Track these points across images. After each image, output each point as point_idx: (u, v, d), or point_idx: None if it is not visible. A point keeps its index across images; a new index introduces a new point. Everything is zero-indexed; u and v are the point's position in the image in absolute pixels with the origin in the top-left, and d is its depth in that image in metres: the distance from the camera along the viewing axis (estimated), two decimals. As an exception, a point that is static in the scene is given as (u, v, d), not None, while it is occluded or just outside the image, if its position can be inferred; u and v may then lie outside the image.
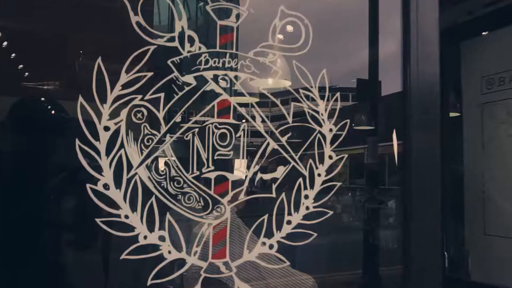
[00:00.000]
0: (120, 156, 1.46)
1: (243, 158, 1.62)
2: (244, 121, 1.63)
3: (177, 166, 1.54)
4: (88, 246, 1.70)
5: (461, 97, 3.69)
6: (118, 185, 1.46)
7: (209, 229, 1.58)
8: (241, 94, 1.61)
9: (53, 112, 1.72)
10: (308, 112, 1.69)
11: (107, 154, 1.45)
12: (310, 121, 1.69)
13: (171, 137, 1.53)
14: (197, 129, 1.56)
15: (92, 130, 1.43)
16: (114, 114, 1.46)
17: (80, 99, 1.42)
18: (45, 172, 1.65)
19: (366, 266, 2.92)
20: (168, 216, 1.53)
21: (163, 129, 1.51)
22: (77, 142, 1.41)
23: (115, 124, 1.46)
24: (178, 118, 1.53)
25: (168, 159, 1.53)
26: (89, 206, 1.44)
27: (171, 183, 1.53)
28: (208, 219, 1.58)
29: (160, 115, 1.51)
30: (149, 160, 1.50)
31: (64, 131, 1.66)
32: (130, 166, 1.48)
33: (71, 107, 1.42)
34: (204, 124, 1.57)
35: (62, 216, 1.69)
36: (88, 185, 1.42)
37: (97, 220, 1.43)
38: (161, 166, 1.52)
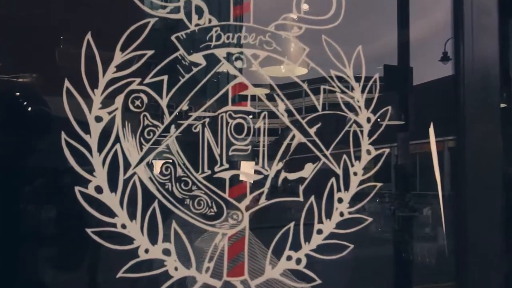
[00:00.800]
0: (115, 153, 1.29)
1: (263, 154, 1.43)
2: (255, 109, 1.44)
3: (184, 164, 1.36)
4: (77, 263, 1.52)
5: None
6: (113, 187, 1.29)
7: (223, 241, 1.40)
8: (260, 77, 1.42)
9: (30, 100, 1.55)
10: (342, 98, 1.50)
11: (100, 150, 1.27)
12: (344, 108, 1.51)
13: (177, 128, 1.35)
14: (207, 119, 1.38)
15: (81, 121, 1.26)
16: (107, 102, 1.29)
17: (67, 83, 1.24)
18: (22, 174, 1.48)
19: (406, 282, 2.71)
20: (173, 225, 1.35)
21: (167, 119, 1.33)
22: (63, 136, 1.24)
23: (109, 113, 1.28)
24: (184, 106, 1.35)
25: (173, 156, 1.35)
26: (77, 213, 1.27)
27: (177, 184, 1.35)
28: (222, 228, 1.40)
29: (163, 102, 1.33)
30: (150, 157, 1.32)
31: (46, 123, 1.49)
32: (127, 165, 1.30)
33: (55, 92, 1.25)
34: (216, 113, 1.39)
35: (44, 228, 1.52)
36: (77, 188, 1.25)
37: (88, 230, 1.25)
38: (165, 164, 1.34)
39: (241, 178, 1.45)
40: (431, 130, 2.08)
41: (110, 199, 1.28)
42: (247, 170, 1.47)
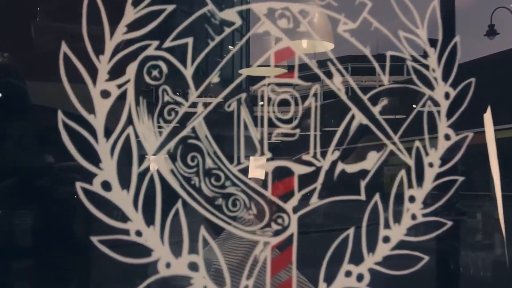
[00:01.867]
0: (127, 138, 1.08)
1: (314, 140, 1.22)
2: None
3: (214, 153, 1.15)
4: (78, 281, 1.33)
5: None
6: (124, 183, 1.09)
7: (265, 251, 1.19)
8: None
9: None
10: (413, 68, 1.27)
11: (107, 134, 1.07)
12: (416, 81, 1.28)
13: (205, 107, 1.14)
14: (244, 95, 1.17)
15: (83, 97, 1.06)
16: (116, 72, 1.08)
17: (64, 47, 1.04)
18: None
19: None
20: (202, 231, 1.14)
21: (193, 94, 1.12)
22: (60, 116, 1.04)
23: (118, 87, 1.08)
24: (215, 77, 1.14)
25: (202, 142, 1.14)
26: (80, 217, 1.08)
27: (207, 179, 1.15)
28: (264, 235, 1.19)
29: (188, 72, 1.12)
30: (171, 144, 1.11)
31: (37, 98, 1.30)
32: (142, 154, 1.10)
33: (50, 58, 1.05)
34: (255, 87, 1.18)
35: (36, 235, 1.33)
36: (78, 185, 1.04)
37: (93, 239, 1.05)
38: (191, 153, 1.14)
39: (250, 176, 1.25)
40: (488, 116, 1.86)
41: (121, 198, 1.08)
42: (257, 168, 1.27)
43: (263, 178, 1.19)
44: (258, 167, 1.22)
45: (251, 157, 1.17)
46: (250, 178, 1.19)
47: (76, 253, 1.50)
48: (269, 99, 1.20)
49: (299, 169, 1.20)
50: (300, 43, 1.24)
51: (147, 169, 1.10)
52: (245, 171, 1.18)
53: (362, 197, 1.25)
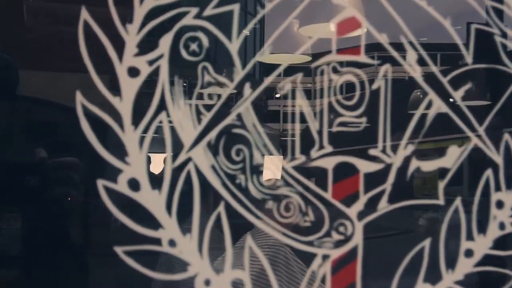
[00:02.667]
0: (159, 127, 0.93)
1: (384, 131, 1.05)
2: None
3: (265, 146, 0.99)
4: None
5: None
6: (155, 181, 0.93)
7: (325, 266, 1.02)
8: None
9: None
10: (501, 44, 1.10)
11: (135, 122, 0.92)
12: (505, 60, 1.11)
13: (253, 89, 0.98)
14: (300, 75, 1.01)
15: (106, 75, 0.91)
16: (147, 45, 0.93)
17: (84, 14, 0.89)
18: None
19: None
20: (248, 240, 0.98)
21: (239, 73, 0.96)
22: (79, 99, 0.89)
23: (150, 63, 0.92)
24: (266, 52, 0.98)
25: (249, 133, 0.98)
26: (101, 222, 0.93)
27: (254, 178, 0.98)
28: (323, 247, 1.03)
29: (233, 46, 0.96)
30: (213, 135, 0.96)
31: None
32: (178, 146, 0.94)
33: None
34: (314, 65, 1.02)
35: (25, 242, 1.20)
36: (100, 183, 0.89)
37: (118, 249, 0.90)
38: (236, 145, 0.98)
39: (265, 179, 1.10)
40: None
41: (152, 200, 0.92)
42: (271, 169, 1.12)
43: (279, 178, 1.04)
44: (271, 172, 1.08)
45: (265, 157, 1.00)
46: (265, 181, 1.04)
47: (73, 263, 1.37)
48: (330, 81, 1.03)
49: (365, 167, 1.04)
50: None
51: (183, 165, 0.95)
52: (300, 168, 1.01)
53: (441, 201, 1.08)
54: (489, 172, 1.10)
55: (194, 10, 0.94)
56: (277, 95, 1.03)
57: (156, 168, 1.02)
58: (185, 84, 0.96)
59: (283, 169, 1.00)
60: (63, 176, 1.25)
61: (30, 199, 1.28)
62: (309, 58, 1.37)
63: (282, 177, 1.00)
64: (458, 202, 1.08)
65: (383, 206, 1.05)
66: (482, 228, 1.11)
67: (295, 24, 1.44)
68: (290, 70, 1.02)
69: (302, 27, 1.45)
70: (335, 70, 1.03)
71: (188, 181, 0.94)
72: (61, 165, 1.26)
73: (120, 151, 0.92)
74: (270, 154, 0.99)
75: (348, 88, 1.04)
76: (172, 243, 0.94)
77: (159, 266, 1.55)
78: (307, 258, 1.03)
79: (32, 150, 1.27)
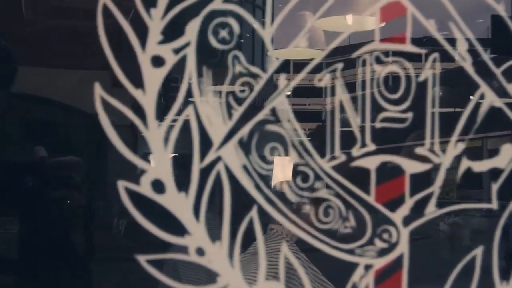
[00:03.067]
0: (186, 122, 0.85)
1: (432, 128, 0.96)
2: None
3: (301, 144, 0.91)
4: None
5: None
6: (182, 183, 0.85)
7: (368, 277, 0.94)
8: None
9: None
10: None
11: (160, 116, 0.84)
12: None
13: (289, 80, 0.90)
14: (340, 65, 0.92)
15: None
16: (173, 30, 0.85)
17: (102, -2, 0.81)
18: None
19: None
20: (284, 250, 0.90)
21: (273, 63, 0.88)
22: (97, 90, 0.81)
23: (175, 52, 0.85)
24: (302, 40, 0.90)
25: (284, 129, 0.90)
26: (121, 227, 0.85)
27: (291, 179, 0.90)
28: (366, 255, 0.94)
29: (266, 32, 0.88)
30: (245, 131, 0.88)
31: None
32: (206, 144, 0.86)
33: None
34: (355, 54, 0.94)
35: (22, 246, 1.14)
36: (121, 184, 0.82)
37: (140, 258, 0.82)
38: (270, 143, 0.89)
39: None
40: None
41: (178, 203, 0.85)
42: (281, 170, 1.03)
43: (290, 179, 0.96)
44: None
45: (275, 157, 0.92)
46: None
47: (74, 272, 1.30)
48: (373, 72, 0.95)
49: (412, 167, 0.95)
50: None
51: (212, 165, 0.87)
52: (340, 168, 0.93)
53: (494, 205, 0.99)
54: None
55: (224, -7, 0.86)
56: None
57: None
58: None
59: (322, 169, 0.92)
60: (64, 177, 1.17)
61: (28, 202, 1.20)
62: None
63: (319, 177, 0.92)
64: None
65: (431, 210, 0.96)
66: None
67: (309, 17, 1.37)
68: (300, 66, 0.94)
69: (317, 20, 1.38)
70: (378, 60, 0.94)
71: (217, 183, 0.87)
72: (62, 165, 1.18)
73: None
74: (307, 152, 0.91)
75: (392, 80, 0.95)
76: (200, 251, 0.86)
77: (164, 271, 1.47)
78: (348, 268, 0.95)
79: (30, 148, 1.19)
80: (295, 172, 0.91)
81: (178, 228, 0.84)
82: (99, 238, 1.42)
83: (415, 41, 0.94)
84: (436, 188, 0.96)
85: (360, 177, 0.95)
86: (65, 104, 1.28)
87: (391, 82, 0.96)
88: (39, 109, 1.30)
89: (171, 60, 0.84)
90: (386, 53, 0.94)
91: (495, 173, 0.99)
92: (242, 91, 0.88)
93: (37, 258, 1.25)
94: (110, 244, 1.65)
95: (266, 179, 0.89)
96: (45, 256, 1.26)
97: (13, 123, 1.28)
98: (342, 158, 0.92)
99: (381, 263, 0.95)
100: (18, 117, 1.28)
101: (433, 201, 0.96)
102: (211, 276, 0.85)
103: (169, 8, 0.84)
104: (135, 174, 0.83)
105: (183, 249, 0.85)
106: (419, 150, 0.96)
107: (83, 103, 1.00)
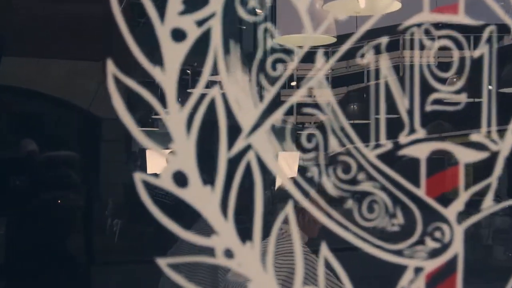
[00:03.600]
0: (212, 104, 0.75)
1: (489, 111, 0.86)
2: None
3: (343, 131, 0.81)
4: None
5: None
6: (207, 175, 0.75)
7: (418, 282, 0.84)
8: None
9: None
10: None
11: (182, 97, 0.74)
12: None
13: (328, 57, 0.80)
14: (385, 39, 0.82)
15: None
16: (196, 1, 0.75)
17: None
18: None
19: None
20: (324, 251, 0.80)
21: (309, 37, 0.78)
22: (110, 68, 0.72)
23: (198, 24, 0.74)
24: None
25: (323, 113, 0.80)
26: (137, 225, 0.76)
27: (330, 170, 0.80)
28: (416, 257, 0.84)
29: (302, 3, 0.78)
30: (278, 115, 0.78)
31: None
32: (234, 129, 0.76)
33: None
34: (402, 27, 0.83)
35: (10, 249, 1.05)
36: (138, 176, 0.72)
37: (161, 262, 0.73)
38: (307, 129, 0.79)
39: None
40: None
41: (203, 198, 0.75)
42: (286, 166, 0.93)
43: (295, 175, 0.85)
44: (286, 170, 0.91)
45: (280, 156, 0.81)
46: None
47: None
48: (422, 47, 0.84)
49: (467, 156, 0.85)
50: None
51: (242, 154, 0.77)
52: (386, 157, 0.83)
53: (559, 200, 0.89)
54: None
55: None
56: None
57: (157, 168, 0.82)
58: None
59: (366, 159, 0.82)
60: (58, 175, 1.04)
61: (15, 204, 1.08)
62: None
63: (362, 168, 0.82)
64: None
65: (489, 205, 0.86)
66: None
67: (319, 1, 1.27)
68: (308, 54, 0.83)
69: (326, 3, 1.29)
70: (428, 34, 0.84)
71: (247, 174, 0.77)
72: (56, 160, 1.04)
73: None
74: (350, 140, 0.81)
75: (444, 56, 0.85)
76: (228, 253, 0.76)
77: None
78: (395, 271, 0.84)
79: (17, 142, 1.06)
80: (335, 162, 0.81)
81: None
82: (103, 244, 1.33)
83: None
84: (494, 179, 0.86)
85: (408, 167, 0.85)
86: (55, 96, 1.18)
87: (442, 59, 0.85)
88: (26, 101, 1.20)
89: (193, 33, 0.74)
90: (437, 26, 0.84)
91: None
92: (275, 69, 0.78)
93: (23, 266, 1.14)
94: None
95: (303, 171, 0.79)
96: (33, 264, 1.16)
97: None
98: (388, 146, 0.82)
99: (432, 265, 0.84)
100: (3, 110, 1.18)
101: (490, 195, 0.86)
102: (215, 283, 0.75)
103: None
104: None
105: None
106: (475, 137, 0.86)
107: (75, 95, 0.90)
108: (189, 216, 0.78)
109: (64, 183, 1.09)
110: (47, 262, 1.16)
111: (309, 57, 0.80)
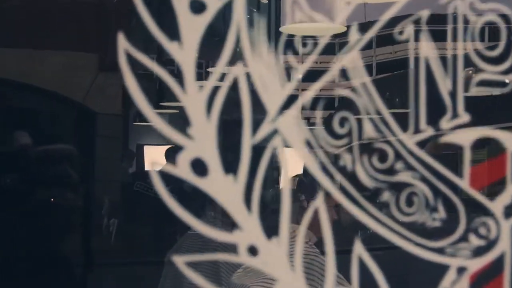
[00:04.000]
0: (235, 84, 0.68)
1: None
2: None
3: (378, 114, 0.73)
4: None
5: None
6: (230, 163, 0.69)
7: (461, 283, 0.76)
8: None
9: None
10: None
11: (201, 76, 0.67)
12: None
13: (363, 32, 0.72)
14: (426, 12, 0.75)
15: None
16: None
17: None
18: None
19: None
20: (358, 249, 0.73)
21: (342, 7, 0.71)
22: (121, 44, 0.65)
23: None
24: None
25: (357, 94, 0.73)
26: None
27: (364, 158, 0.73)
28: (459, 255, 0.76)
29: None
30: (308, 97, 0.70)
31: None
32: (260, 112, 0.69)
33: None
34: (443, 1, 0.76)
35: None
36: (151, 164, 0.65)
37: (178, 260, 0.66)
38: (339, 111, 0.72)
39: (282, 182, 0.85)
40: None
41: (224, 188, 0.68)
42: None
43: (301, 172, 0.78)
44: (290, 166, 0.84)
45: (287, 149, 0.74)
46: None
47: None
48: (466, 21, 0.77)
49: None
50: None
51: (268, 139, 0.70)
52: (425, 144, 0.75)
53: None
54: None
55: None
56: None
57: (154, 165, 0.74)
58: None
59: (403, 146, 0.74)
60: (55, 172, 0.93)
61: (6, 203, 0.99)
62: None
63: (400, 156, 0.75)
64: None
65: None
66: None
67: None
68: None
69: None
70: (473, 8, 0.76)
71: (273, 162, 0.69)
72: (52, 155, 0.94)
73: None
74: (386, 124, 0.74)
75: (492, 33, 0.77)
76: (253, 250, 0.69)
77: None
78: (435, 271, 0.77)
79: (6, 137, 0.96)
80: (370, 150, 0.73)
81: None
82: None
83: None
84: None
85: (448, 156, 0.77)
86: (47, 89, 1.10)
87: (489, 36, 0.78)
88: (16, 95, 1.13)
89: (214, 4, 0.67)
90: (483, -1, 0.77)
91: None
92: (305, 46, 0.70)
93: (14, 269, 1.07)
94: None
95: (334, 159, 0.72)
96: (24, 267, 1.08)
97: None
98: (429, 132, 0.75)
99: (477, 265, 0.77)
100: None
101: (541, 187, 0.78)
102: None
103: None
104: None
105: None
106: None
107: (66, 88, 0.84)
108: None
109: (61, 180, 1.00)
110: (39, 265, 1.09)
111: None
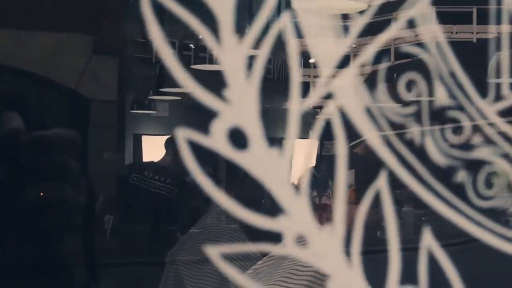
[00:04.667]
0: (281, 44, 0.56)
1: None
2: None
3: (452, 77, 0.62)
4: None
5: None
6: (274, 138, 0.58)
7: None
8: None
9: None
10: None
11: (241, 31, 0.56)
12: None
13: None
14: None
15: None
16: None
17: None
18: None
19: None
20: (427, 240, 0.61)
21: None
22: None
23: None
24: None
25: (429, 54, 0.61)
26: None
27: (436, 131, 0.61)
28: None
29: None
30: (369, 54, 0.59)
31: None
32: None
33: None
34: None
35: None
36: (181, 134, 0.54)
37: (212, 251, 0.55)
38: (407, 73, 0.60)
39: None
40: None
41: (268, 163, 0.56)
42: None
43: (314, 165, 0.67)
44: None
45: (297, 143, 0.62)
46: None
47: None
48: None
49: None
50: None
51: (320, 107, 0.58)
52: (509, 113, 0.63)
53: None
54: None
55: None
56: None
57: (153, 155, 0.63)
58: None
59: (483, 116, 0.62)
60: (51, 162, 0.80)
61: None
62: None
63: (478, 128, 0.63)
64: None
65: None
66: None
67: None
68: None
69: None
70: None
71: (327, 137, 0.58)
72: (48, 142, 0.81)
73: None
74: (461, 90, 0.62)
75: None
76: (301, 240, 0.58)
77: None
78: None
79: None
80: (442, 119, 0.62)
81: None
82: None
83: None
84: None
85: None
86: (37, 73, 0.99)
87: None
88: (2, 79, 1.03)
89: None
90: None
91: None
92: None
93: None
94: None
95: (400, 130, 0.61)
96: (13, 268, 0.99)
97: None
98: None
99: None
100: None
101: None
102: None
103: None
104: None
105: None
106: None
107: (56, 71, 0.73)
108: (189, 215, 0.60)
109: (67, 174, 0.89)
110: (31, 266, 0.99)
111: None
